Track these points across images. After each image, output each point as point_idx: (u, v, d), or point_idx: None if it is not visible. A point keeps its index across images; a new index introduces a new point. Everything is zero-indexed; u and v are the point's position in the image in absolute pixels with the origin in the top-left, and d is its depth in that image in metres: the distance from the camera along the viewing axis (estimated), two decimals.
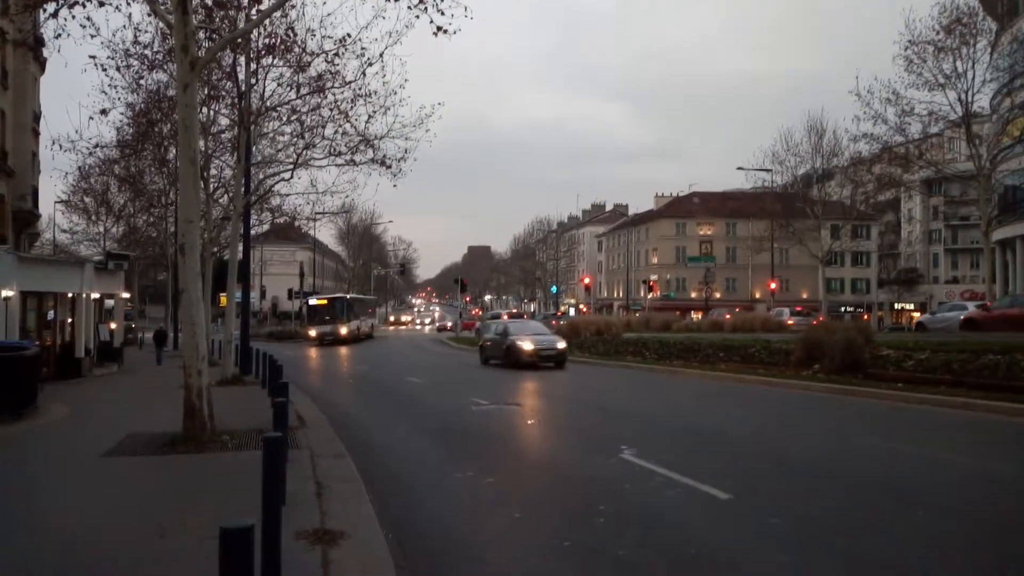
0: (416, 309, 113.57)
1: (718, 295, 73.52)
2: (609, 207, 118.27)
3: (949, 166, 36.61)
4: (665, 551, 5.93)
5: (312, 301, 51.09)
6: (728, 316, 41.96)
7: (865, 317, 62.04)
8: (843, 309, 67.37)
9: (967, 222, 75.52)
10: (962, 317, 26.96)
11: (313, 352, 40.20)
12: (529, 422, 13.48)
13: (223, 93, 20.70)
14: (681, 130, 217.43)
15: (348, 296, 53.40)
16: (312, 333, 47.66)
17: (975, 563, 5.61)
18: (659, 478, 8.29)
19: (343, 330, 46.88)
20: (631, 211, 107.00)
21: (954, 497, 7.50)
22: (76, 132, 45.09)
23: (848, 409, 14.00)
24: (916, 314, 45.77)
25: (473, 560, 5.89)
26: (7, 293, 17.76)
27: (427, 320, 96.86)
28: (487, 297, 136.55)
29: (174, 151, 25.77)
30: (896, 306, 77.42)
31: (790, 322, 39.25)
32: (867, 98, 31.43)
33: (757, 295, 73.21)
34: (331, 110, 19.49)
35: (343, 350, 41.41)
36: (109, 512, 6.96)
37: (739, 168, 78.18)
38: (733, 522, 6.73)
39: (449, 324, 74.76)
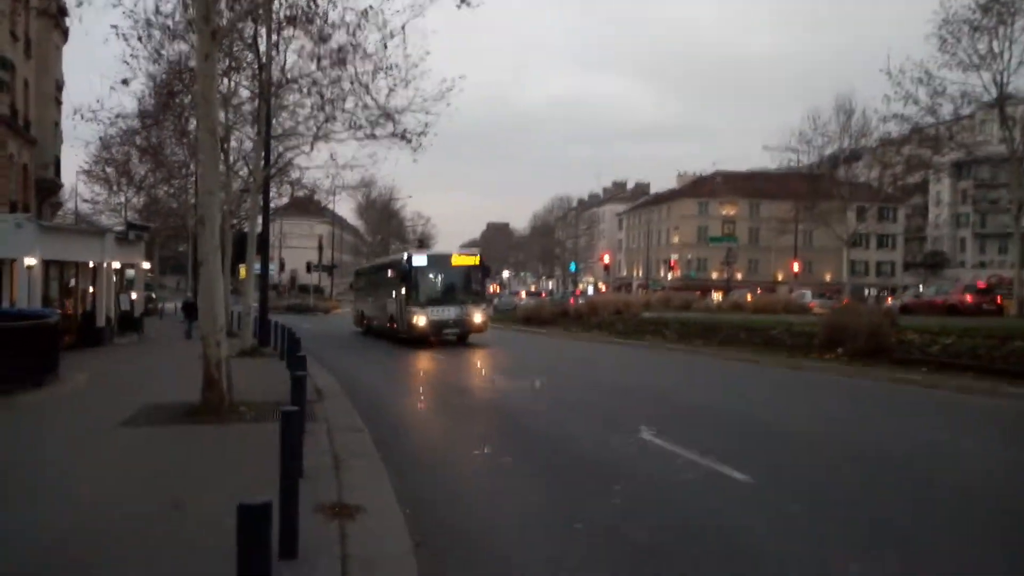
0: None
1: (739, 276, 72.79)
2: (631, 185, 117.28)
3: (980, 149, 35.78)
4: (682, 533, 5.82)
5: (419, 259, 25.64)
6: (750, 297, 41.57)
7: (889, 300, 61.32)
8: (867, 292, 66.50)
9: (996, 206, 74.04)
10: (899, 304, 31.05)
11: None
12: (544, 399, 13.40)
13: (244, 64, 20.59)
14: (706, 108, 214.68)
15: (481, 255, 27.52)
16: (419, 321, 24.22)
17: (987, 540, 5.44)
18: (680, 459, 8.17)
19: (477, 318, 25.09)
20: (653, 190, 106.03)
21: (979, 482, 7.32)
22: (98, 102, 45.21)
23: (872, 394, 13.77)
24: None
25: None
26: (30, 261, 17.89)
27: None
28: (505, 274, 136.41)
29: (195, 122, 25.75)
30: (926, 289, 76.39)
31: (813, 304, 38.88)
32: (898, 77, 30.68)
33: (779, 276, 72.42)
34: (352, 83, 19.30)
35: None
36: (126, 482, 6.97)
37: (765, 147, 77.10)
38: (752, 505, 6.61)
39: None
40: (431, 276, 25.32)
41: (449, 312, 24.57)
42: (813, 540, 5.70)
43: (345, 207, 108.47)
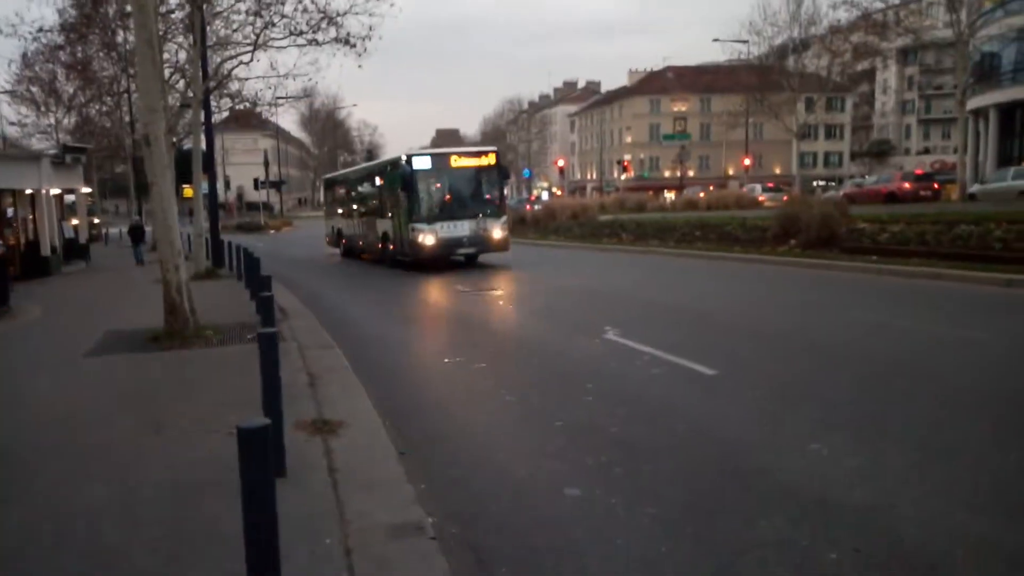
0: None
1: (692, 173, 73.22)
2: (581, 85, 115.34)
3: (927, 33, 35.84)
4: (654, 425, 6.07)
5: (422, 162, 20.37)
6: (702, 194, 41.95)
7: (827, 192, 62.63)
8: (815, 184, 67.78)
9: (940, 91, 75.10)
10: (841, 192, 32.98)
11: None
12: (510, 306, 13.56)
13: None
14: (655, 4, 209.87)
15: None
16: (426, 240, 19.74)
17: (939, 418, 5.82)
18: (647, 357, 8.42)
19: (496, 233, 20.53)
20: (604, 88, 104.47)
21: (928, 362, 7.73)
22: (17, 15, 42.04)
23: (825, 283, 14.24)
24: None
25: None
26: None
27: None
28: None
29: (123, 34, 24.30)
30: (867, 178, 78.06)
31: (762, 198, 39.56)
32: None
33: (731, 172, 73.06)
34: None
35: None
36: (100, 409, 6.93)
37: (715, 40, 76.47)
38: (718, 395, 6.90)
39: None
40: (438, 182, 20.44)
41: (462, 228, 19.95)
42: (777, 424, 6.00)
43: (288, 119, 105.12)
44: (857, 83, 72.83)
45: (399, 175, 20.04)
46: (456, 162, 20.68)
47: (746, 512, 4.40)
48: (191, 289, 10.51)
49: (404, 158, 20.20)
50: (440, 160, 20.60)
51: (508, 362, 8.89)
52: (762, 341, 9.31)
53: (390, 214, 21.67)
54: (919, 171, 39.22)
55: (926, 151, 78.61)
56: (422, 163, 20.12)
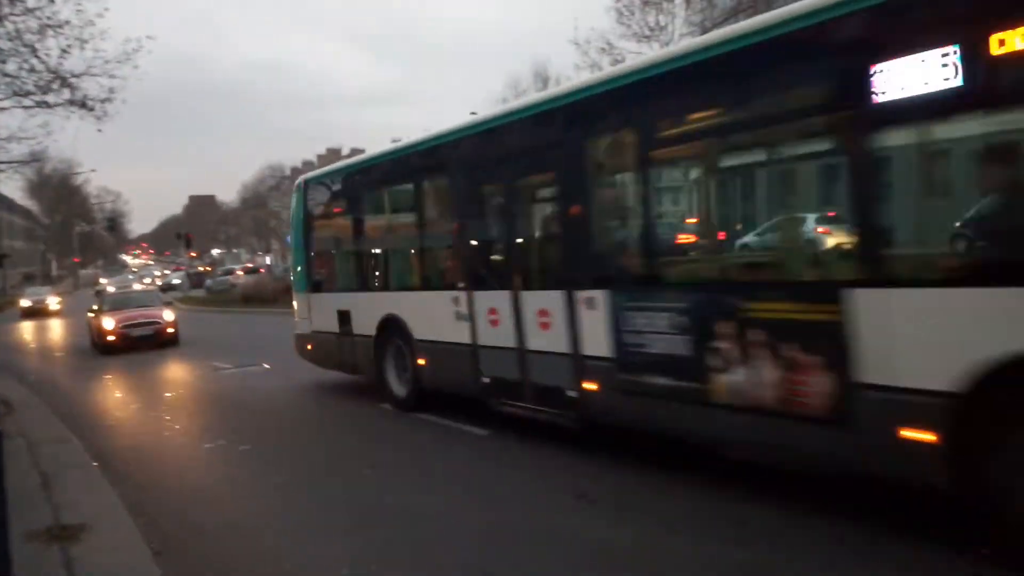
0: (131, 270, 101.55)
1: None
2: (346, 151, 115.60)
3: None
4: (427, 488, 6.12)
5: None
6: None
7: None
8: None
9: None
10: None
11: None
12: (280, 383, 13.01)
13: None
14: (415, 74, 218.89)
15: None
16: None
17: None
18: (419, 420, 8.47)
19: None
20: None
21: None
22: None
23: None
24: None
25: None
26: None
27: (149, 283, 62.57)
28: (215, 251, 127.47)
29: None
30: None
31: None
32: (585, 47, 33.77)
33: None
34: (12, 41, 16.61)
35: None
36: None
37: (472, 113, 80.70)
38: (490, 452, 7.10)
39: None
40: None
41: None
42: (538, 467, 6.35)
43: (12, 186, 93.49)
44: None
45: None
46: None
47: (525, 567, 4.57)
48: None
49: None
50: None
51: (274, 441, 8.43)
52: None
53: None
54: None
55: None
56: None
